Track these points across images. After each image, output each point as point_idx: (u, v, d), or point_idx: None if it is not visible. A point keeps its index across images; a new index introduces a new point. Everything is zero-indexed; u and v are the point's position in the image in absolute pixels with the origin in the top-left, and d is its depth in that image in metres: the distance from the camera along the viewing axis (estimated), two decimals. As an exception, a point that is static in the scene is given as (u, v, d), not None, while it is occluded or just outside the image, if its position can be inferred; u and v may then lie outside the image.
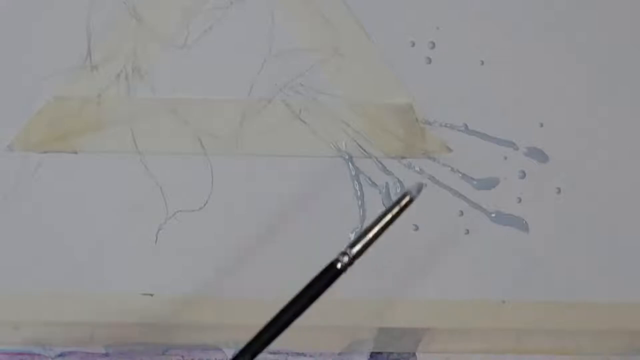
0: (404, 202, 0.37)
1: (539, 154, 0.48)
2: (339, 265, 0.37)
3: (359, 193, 0.47)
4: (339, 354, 0.47)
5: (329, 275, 0.37)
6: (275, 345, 0.47)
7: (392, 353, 0.48)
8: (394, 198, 0.45)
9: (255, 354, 0.38)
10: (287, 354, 0.47)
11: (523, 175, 0.48)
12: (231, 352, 0.47)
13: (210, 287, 0.47)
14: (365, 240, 0.37)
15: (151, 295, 0.46)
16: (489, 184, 0.48)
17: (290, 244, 0.47)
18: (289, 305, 0.38)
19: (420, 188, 0.38)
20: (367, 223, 0.38)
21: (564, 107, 0.48)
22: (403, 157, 0.47)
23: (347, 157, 0.47)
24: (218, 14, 0.48)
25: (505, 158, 0.48)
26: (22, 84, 0.47)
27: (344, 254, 0.37)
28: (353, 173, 0.47)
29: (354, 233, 0.47)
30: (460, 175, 0.47)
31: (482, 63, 0.48)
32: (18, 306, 0.46)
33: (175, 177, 0.47)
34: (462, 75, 0.48)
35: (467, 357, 0.48)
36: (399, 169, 0.47)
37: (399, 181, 0.47)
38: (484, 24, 0.48)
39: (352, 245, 0.37)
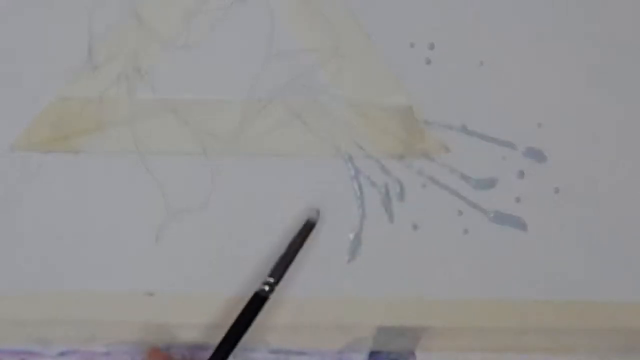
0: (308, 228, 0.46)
1: (537, 154, 0.48)
2: (263, 293, 0.44)
3: (358, 193, 0.47)
4: (339, 352, 0.48)
5: (255, 304, 0.44)
6: (275, 344, 0.47)
7: (391, 352, 0.48)
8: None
9: None
10: (287, 352, 0.47)
11: (521, 175, 0.48)
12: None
13: (211, 287, 0.47)
14: (283, 265, 0.45)
15: (152, 294, 0.47)
16: (488, 183, 0.48)
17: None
18: (227, 335, 0.44)
19: (318, 213, 0.46)
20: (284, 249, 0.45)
21: (563, 107, 0.48)
22: (402, 157, 0.48)
23: (347, 157, 0.47)
24: (218, 14, 0.48)
25: (504, 158, 0.48)
26: (23, 84, 0.47)
27: (266, 283, 0.44)
28: (353, 173, 0.47)
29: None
30: (459, 175, 0.48)
31: (481, 63, 0.48)
32: (18, 305, 0.46)
33: (175, 177, 0.47)
34: (461, 76, 0.48)
35: (466, 356, 0.48)
36: (398, 169, 0.47)
37: (398, 181, 0.47)
38: (483, 25, 0.48)
39: (272, 274, 0.45)
